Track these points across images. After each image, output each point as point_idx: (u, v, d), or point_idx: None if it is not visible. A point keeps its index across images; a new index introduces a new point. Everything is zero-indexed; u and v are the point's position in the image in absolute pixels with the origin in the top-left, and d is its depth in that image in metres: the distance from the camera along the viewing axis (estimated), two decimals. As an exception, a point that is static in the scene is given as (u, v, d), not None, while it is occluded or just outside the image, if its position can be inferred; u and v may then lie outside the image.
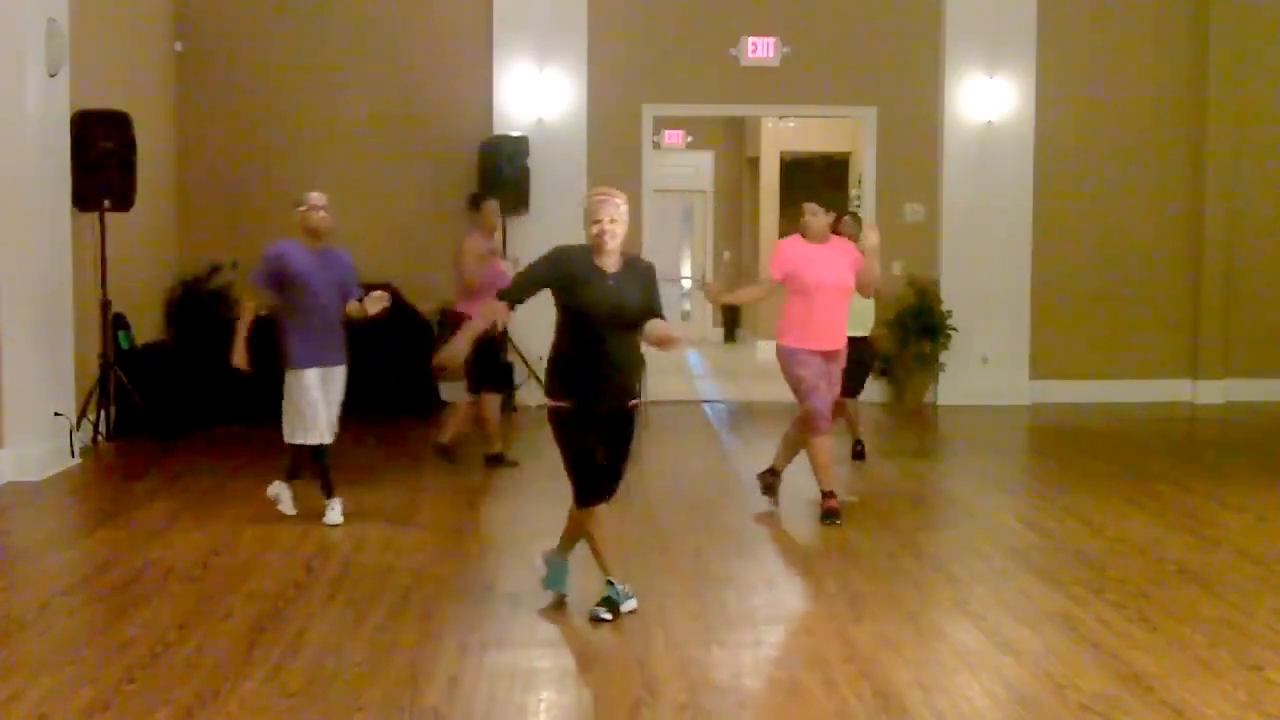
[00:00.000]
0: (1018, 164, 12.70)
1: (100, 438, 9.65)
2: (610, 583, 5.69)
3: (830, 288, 7.51)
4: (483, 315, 5.92)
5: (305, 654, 5.12)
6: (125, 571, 6.39)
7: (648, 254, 12.70)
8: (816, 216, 7.62)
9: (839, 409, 9.78)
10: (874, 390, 12.81)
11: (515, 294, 5.67)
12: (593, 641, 5.42)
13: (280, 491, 7.58)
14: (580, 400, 5.57)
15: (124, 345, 10.26)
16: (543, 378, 5.84)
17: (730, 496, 8.50)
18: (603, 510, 5.69)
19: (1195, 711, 4.55)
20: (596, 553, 5.77)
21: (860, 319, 9.40)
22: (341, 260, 7.45)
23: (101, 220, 9.59)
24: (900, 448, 10.76)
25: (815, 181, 19.03)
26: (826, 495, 7.65)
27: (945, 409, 12.49)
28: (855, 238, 9.74)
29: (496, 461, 9.16)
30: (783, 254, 7.68)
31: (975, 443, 11.00)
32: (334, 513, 7.41)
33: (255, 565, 6.53)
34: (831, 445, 7.73)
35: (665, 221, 17.84)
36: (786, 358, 7.58)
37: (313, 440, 7.33)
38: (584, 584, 6.20)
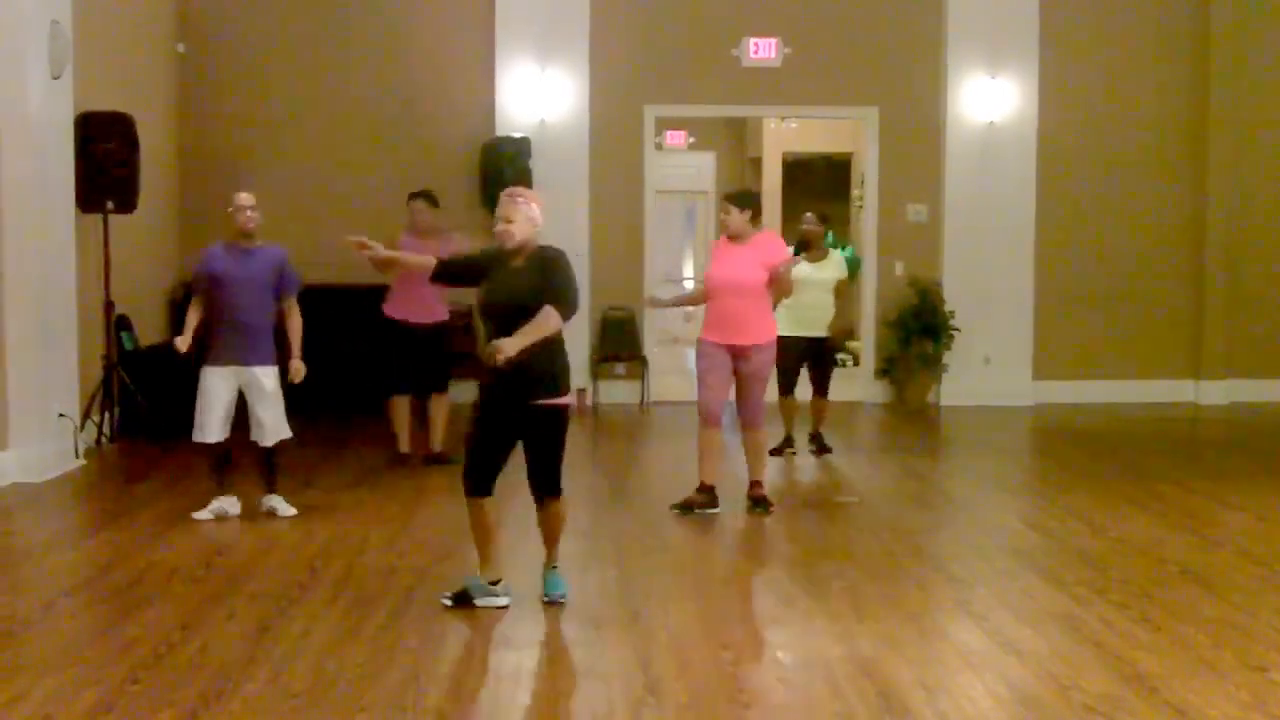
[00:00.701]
0: (1020, 164, 12.68)
1: (104, 439, 9.66)
2: (475, 578, 5.80)
3: (728, 284, 7.62)
4: (415, 257, 6.20)
5: (308, 654, 5.12)
6: (129, 572, 6.40)
7: (650, 255, 12.77)
8: (730, 215, 7.71)
9: (817, 409, 9.79)
10: (876, 390, 12.85)
11: (445, 267, 5.95)
12: (596, 642, 5.42)
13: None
14: (486, 392, 5.67)
15: (127, 346, 10.27)
16: None
17: (733, 497, 8.49)
18: (487, 504, 5.76)
19: (1198, 712, 4.55)
20: (474, 540, 5.87)
21: (814, 319, 9.45)
22: (269, 260, 7.47)
23: (105, 222, 9.60)
24: (902, 448, 10.77)
25: (817, 182, 19.11)
26: (700, 489, 7.78)
27: (948, 409, 12.48)
28: (820, 237, 9.73)
29: (401, 462, 9.17)
30: (711, 252, 7.97)
31: (977, 443, 10.99)
32: (224, 503, 7.48)
33: (258, 566, 6.53)
34: (717, 441, 7.80)
35: (667, 222, 17.86)
36: (696, 349, 7.87)
37: (201, 439, 7.37)
38: (585, 582, 6.22)
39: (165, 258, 11.71)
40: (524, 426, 5.66)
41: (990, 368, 12.67)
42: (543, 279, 5.60)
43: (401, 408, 9.19)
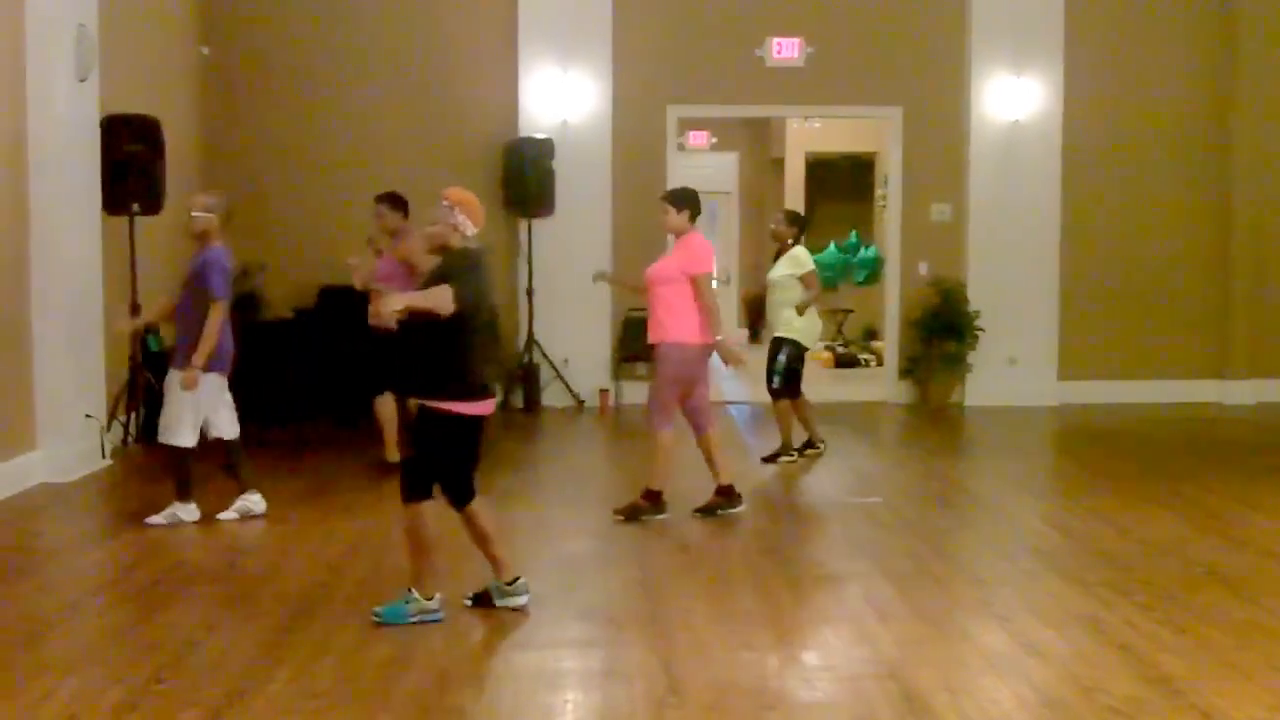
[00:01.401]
0: (1045, 163, 12.63)
1: (130, 439, 9.72)
2: (495, 581, 5.77)
3: (650, 282, 7.69)
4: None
5: (331, 654, 5.15)
6: (153, 572, 6.44)
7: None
8: (667, 214, 7.69)
9: (794, 408, 9.62)
10: (900, 390, 12.82)
11: None
12: (618, 643, 5.42)
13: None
14: None
15: (153, 348, 10.30)
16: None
17: (753, 498, 8.49)
18: (463, 513, 5.74)
19: (1224, 715, 4.52)
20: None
21: (772, 319, 9.40)
22: (196, 261, 7.46)
23: (131, 224, 9.65)
24: (926, 448, 10.74)
25: (840, 182, 19.08)
26: (717, 491, 7.80)
27: (972, 410, 12.43)
28: (783, 237, 9.59)
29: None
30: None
31: (1001, 443, 10.95)
32: (247, 501, 7.55)
33: (282, 566, 6.56)
34: (706, 444, 7.76)
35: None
36: None
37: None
38: (605, 582, 6.22)
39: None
40: (416, 427, 5.67)
41: (1015, 368, 12.62)
42: (439, 271, 5.56)
43: (384, 409, 9.04)
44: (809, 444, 9.69)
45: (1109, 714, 4.54)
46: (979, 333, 12.46)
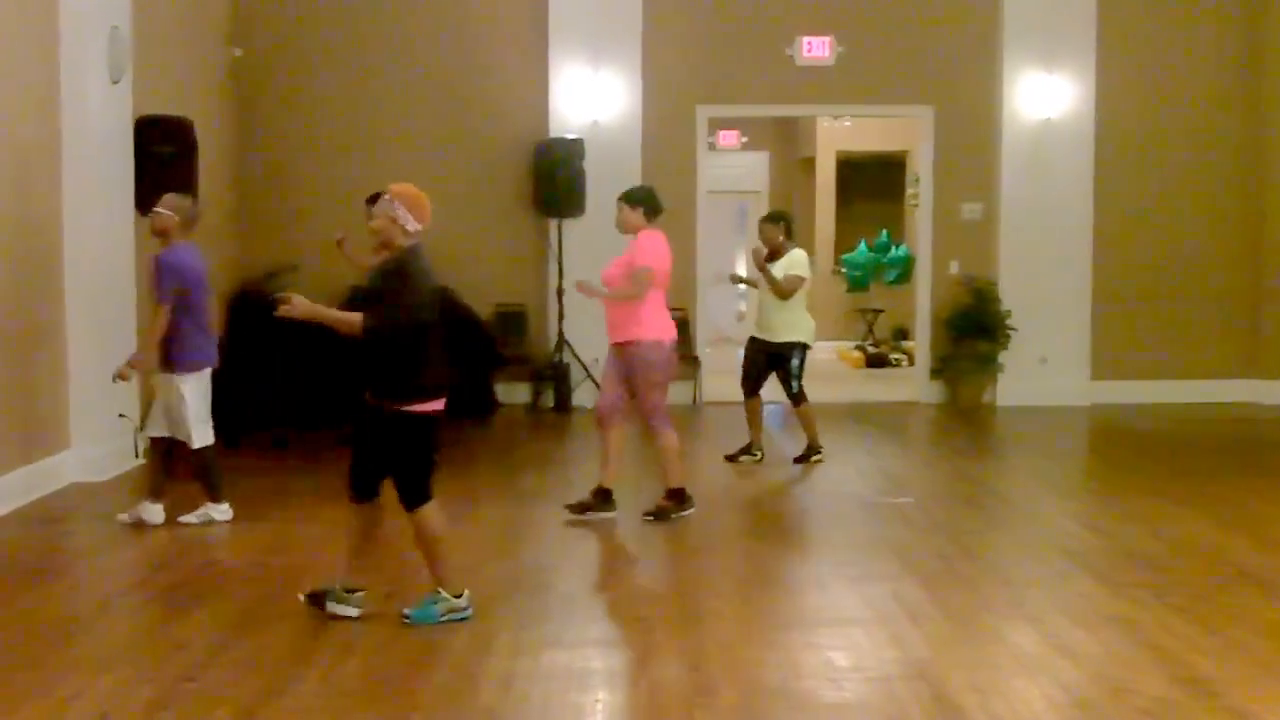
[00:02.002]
0: (1077, 161, 12.54)
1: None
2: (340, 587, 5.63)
3: (609, 286, 7.60)
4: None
5: (361, 653, 5.17)
6: (184, 571, 6.48)
7: (701, 256, 12.75)
8: (620, 212, 7.63)
9: (752, 410, 9.53)
10: (930, 390, 12.76)
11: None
12: (646, 642, 5.42)
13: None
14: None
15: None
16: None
17: (781, 497, 8.47)
18: (356, 508, 5.63)
19: (1257, 716, 4.49)
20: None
21: (763, 322, 9.33)
22: (153, 261, 7.43)
23: (163, 224, 9.70)
24: (956, 448, 10.69)
25: (871, 181, 19.01)
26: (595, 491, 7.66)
27: (1003, 410, 12.37)
28: (778, 236, 9.46)
29: None
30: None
31: (1033, 444, 10.89)
32: (140, 510, 7.41)
33: (312, 565, 6.56)
34: (606, 439, 7.66)
35: (720, 223, 17.81)
36: None
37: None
38: (634, 581, 6.22)
39: (222, 259, 11.79)
40: (361, 426, 5.62)
41: (1046, 367, 12.54)
42: (374, 284, 5.55)
43: None
44: (747, 449, 9.46)
45: (1140, 715, 4.51)
46: (1010, 332, 12.39)
